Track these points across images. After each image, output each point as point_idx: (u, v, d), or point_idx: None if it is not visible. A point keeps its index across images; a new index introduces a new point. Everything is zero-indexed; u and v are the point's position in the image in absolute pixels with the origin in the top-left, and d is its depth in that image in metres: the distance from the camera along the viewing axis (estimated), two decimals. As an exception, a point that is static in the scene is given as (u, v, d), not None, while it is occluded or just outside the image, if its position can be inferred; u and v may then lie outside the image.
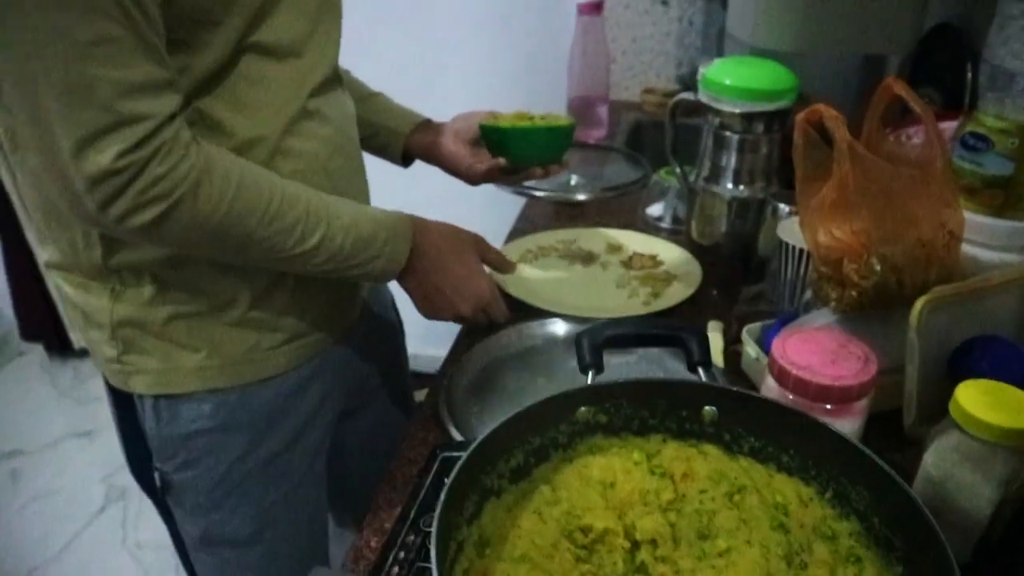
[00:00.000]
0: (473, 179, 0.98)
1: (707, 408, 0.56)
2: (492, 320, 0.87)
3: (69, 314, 0.80)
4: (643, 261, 1.07)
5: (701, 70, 1.00)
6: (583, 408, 0.54)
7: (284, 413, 0.83)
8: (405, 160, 1.00)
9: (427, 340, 1.36)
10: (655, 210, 1.20)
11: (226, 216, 0.64)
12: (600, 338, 0.57)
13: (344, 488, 1.02)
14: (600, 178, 1.28)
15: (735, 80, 0.97)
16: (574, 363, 0.82)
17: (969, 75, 1.07)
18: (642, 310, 0.95)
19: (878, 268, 0.69)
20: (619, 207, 1.25)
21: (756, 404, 0.54)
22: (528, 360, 0.86)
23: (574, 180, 1.28)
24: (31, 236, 2.22)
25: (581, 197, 1.24)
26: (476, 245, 0.86)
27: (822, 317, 0.75)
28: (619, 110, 1.73)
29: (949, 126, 1.01)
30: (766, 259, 0.99)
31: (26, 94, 0.56)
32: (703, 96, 1.00)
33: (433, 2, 1.84)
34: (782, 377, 0.63)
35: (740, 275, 1.03)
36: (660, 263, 1.07)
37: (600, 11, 1.53)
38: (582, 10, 1.52)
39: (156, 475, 0.82)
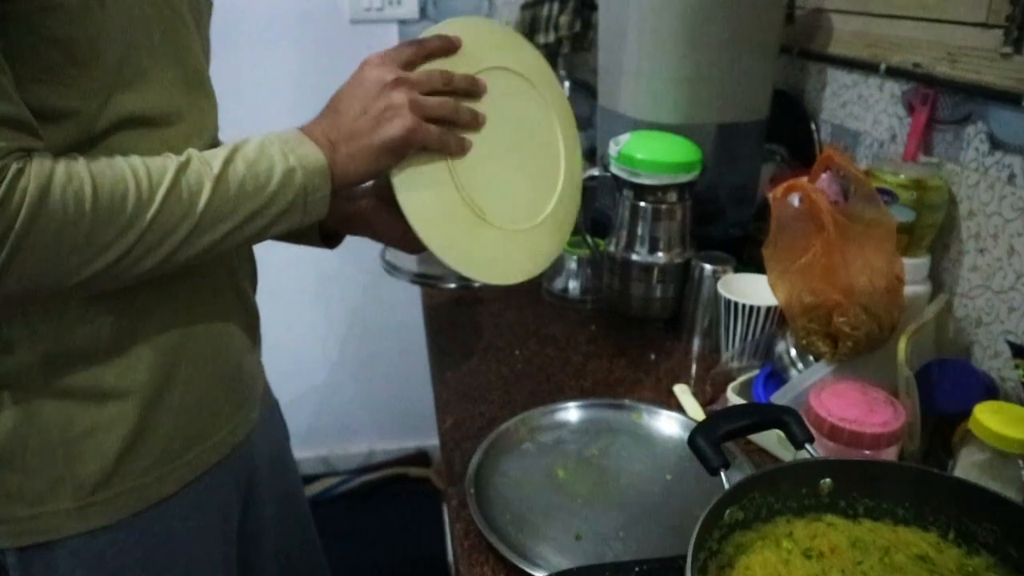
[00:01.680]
0: (415, 247, 0.79)
1: (824, 481, 0.58)
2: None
3: None
4: None
5: (614, 147, 1.05)
6: (728, 510, 0.54)
7: (179, 538, 0.72)
8: (329, 241, 0.85)
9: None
10: (559, 284, 1.22)
11: (93, 217, 0.53)
12: (716, 436, 0.57)
13: None
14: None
15: (648, 155, 1.03)
16: (591, 449, 0.83)
17: (816, 134, 1.24)
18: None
19: (864, 318, 0.78)
20: (519, 286, 1.25)
21: (870, 468, 0.58)
22: (541, 454, 0.83)
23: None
24: None
25: (480, 285, 1.22)
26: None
27: (819, 369, 0.81)
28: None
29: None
30: (693, 319, 1.06)
31: None
32: (618, 171, 1.05)
33: (252, 57, 1.73)
34: (835, 433, 0.68)
35: (666, 337, 1.09)
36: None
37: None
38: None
39: None
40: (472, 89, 0.72)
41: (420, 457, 2.26)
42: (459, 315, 1.18)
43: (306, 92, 1.82)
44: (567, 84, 1.77)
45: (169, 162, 0.59)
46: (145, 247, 0.56)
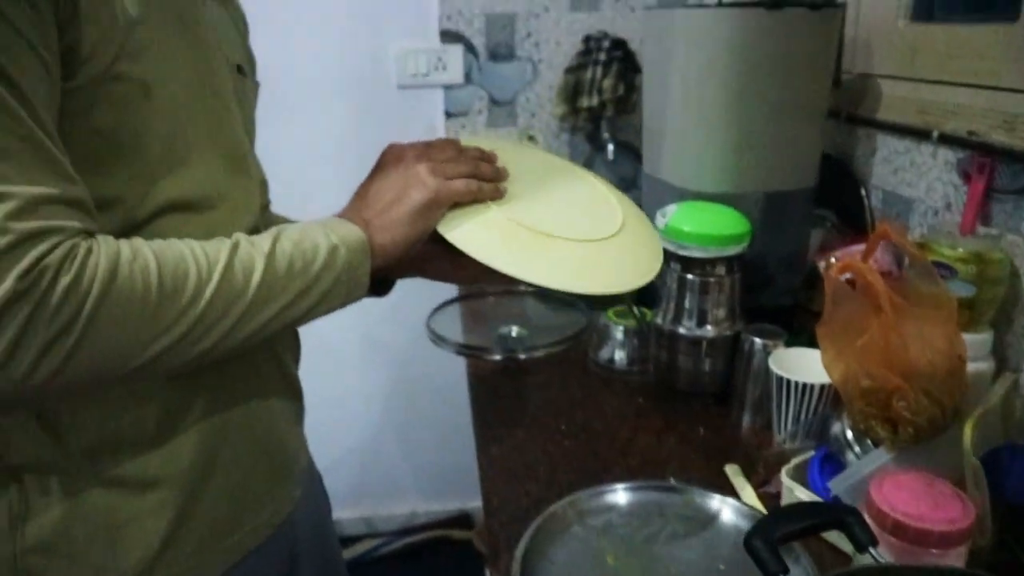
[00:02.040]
0: (468, 278, 0.85)
1: (890, 588, 0.55)
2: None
3: None
4: None
5: (660, 219, 1.04)
6: (790, 618, 0.51)
7: None
8: (379, 288, 0.83)
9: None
10: (605, 354, 1.21)
11: (157, 301, 0.54)
12: (773, 538, 0.55)
13: None
14: (542, 329, 1.27)
15: (696, 227, 1.02)
16: (641, 534, 0.81)
17: (866, 200, 1.22)
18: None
19: (926, 403, 0.74)
20: (564, 355, 1.24)
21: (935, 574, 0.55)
22: (590, 539, 0.80)
23: (515, 332, 1.26)
24: None
25: (527, 356, 1.21)
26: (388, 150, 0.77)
27: (879, 456, 0.78)
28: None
29: (857, 248, 1.13)
30: (743, 393, 1.03)
31: None
32: (665, 243, 1.04)
33: (301, 121, 1.77)
34: (899, 530, 0.65)
35: (715, 411, 1.06)
36: None
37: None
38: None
39: None
40: (486, 158, 0.77)
41: (463, 519, 2.23)
42: (504, 385, 1.16)
43: (354, 155, 1.86)
44: (611, 147, 1.78)
45: (220, 243, 0.61)
46: (204, 326, 0.57)
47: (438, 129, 1.84)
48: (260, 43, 0.85)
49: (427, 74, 1.80)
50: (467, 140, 0.81)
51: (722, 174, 1.12)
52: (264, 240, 0.63)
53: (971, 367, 0.85)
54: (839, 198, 1.27)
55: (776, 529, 0.56)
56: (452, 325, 1.26)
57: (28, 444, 0.61)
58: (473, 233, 0.72)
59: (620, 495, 0.86)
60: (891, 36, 1.20)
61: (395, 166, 0.74)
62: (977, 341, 0.90)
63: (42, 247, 0.49)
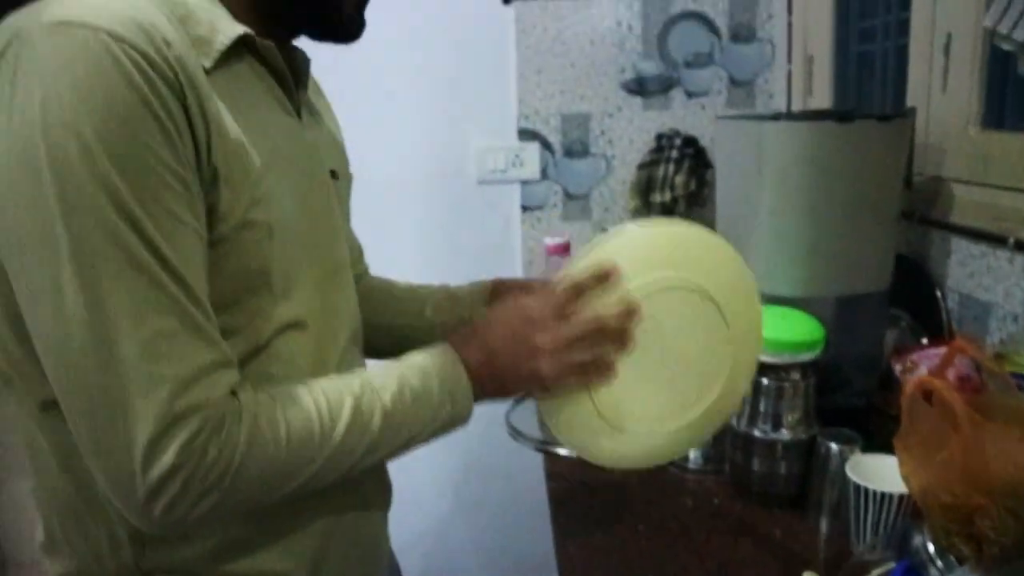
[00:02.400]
0: None
1: None
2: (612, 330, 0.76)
3: None
4: None
5: (734, 324, 1.07)
6: None
7: None
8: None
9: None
10: (680, 449, 1.22)
11: (287, 457, 0.63)
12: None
13: None
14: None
15: (769, 334, 1.04)
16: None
17: (942, 303, 1.22)
18: None
19: (1011, 522, 0.74)
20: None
21: None
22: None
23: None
24: (27, 551, 1.88)
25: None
26: (512, 305, 0.79)
27: (964, 575, 0.78)
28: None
29: (934, 352, 1.13)
30: (819, 499, 1.03)
31: (83, 406, 0.57)
32: (739, 347, 1.07)
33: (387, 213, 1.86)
34: (985, 657, 0.65)
35: (791, 515, 1.06)
36: None
37: (568, 251, 1.62)
38: (551, 251, 1.61)
39: None
40: (622, 332, 0.76)
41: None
42: (581, 482, 1.19)
43: (435, 246, 1.96)
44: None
45: (346, 393, 0.67)
46: (324, 474, 0.66)
47: (514, 221, 1.92)
48: (349, 139, 0.94)
49: (505, 170, 1.89)
50: (619, 245, 0.78)
51: (795, 278, 1.15)
52: (387, 391, 0.69)
53: (1057, 481, 0.85)
54: (915, 299, 1.28)
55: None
56: (531, 420, 1.30)
57: (162, 550, 0.67)
58: (560, 411, 0.79)
59: (698, 601, 0.87)
60: (962, 142, 1.22)
61: (526, 340, 0.74)
62: (1062, 454, 0.89)
63: (195, 423, 0.58)
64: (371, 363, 0.83)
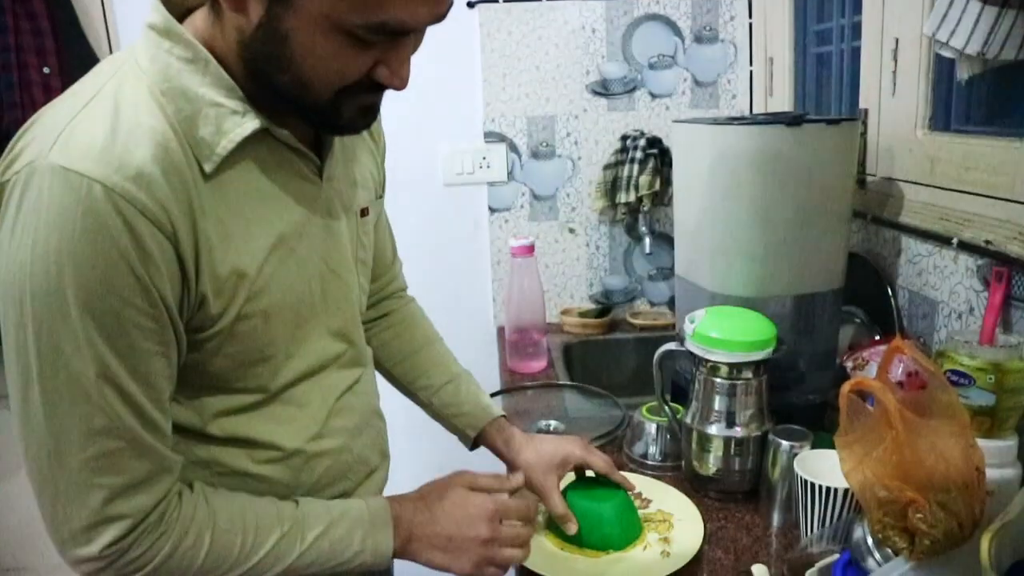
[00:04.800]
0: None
1: None
2: (524, 519, 0.90)
3: None
4: (639, 503, 1.09)
5: (689, 325, 1.10)
6: None
7: None
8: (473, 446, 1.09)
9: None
10: (639, 449, 1.25)
11: (201, 568, 0.72)
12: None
13: None
14: (580, 423, 1.32)
15: (723, 334, 1.07)
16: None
17: (893, 300, 1.25)
18: (667, 565, 0.96)
19: (942, 515, 0.77)
20: (600, 449, 1.27)
21: None
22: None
23: (553, 426, 1.31)
24: None
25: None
26: (457, 478, 0.89)
27: (898, 566, 0.81)
28: (543, 334, 1.82)
29: (882, 348, 1.17)
30: (771, 494, 1.06)
31: (37, 486, 0.67)
32: (693, 348, 1.09)
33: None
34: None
35: (745, 509, 1.09)
36: (648, 500, 1.10)
37: (532, 252, 1.64)
38: (516, 252, 1.63)
39: None
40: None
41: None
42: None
43: (403, 249, 1.96)
44: (648, 240, 1.85)
45: (274, 527, 0.75)
46: None
47: (482, 222, 1.94)
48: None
49: (472, 172, 1.91)
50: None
51: (750, 279, 1.18)
52: (311, 530, 0.77)
53: (996, 474, 0.88)
54: (868, 296, 1.31)
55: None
56: (516, 413, 1.32)
57: None
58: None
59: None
60: (911, 144, 1.25)
61: (470, 530, 0.84)
62: (1002, 448, 0.92)
63: (123, 526, 0.67)
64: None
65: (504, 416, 1.08)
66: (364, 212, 0.89)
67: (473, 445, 1.09)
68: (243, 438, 0.78)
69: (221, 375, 0.74)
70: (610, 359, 1.81)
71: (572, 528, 0.98)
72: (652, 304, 1.97)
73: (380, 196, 0.98)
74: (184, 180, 0.65)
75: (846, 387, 0.82)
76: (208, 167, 0.67)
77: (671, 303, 1.92)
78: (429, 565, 0.86)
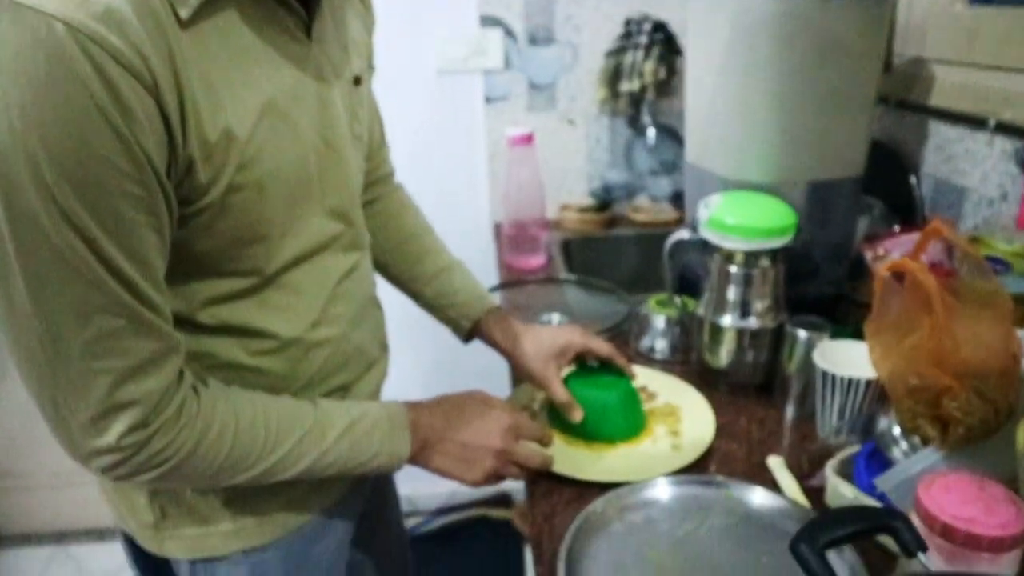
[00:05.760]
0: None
1: (939, 595, 0.55)
2: (538, 440, 0.88)
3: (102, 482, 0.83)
4: (644, 396, 1.06)
5: (704, 210, 1.03)
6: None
7: (313, 561, 0.86)
8: (468, 338, 1.05)
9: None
10: (646, 343, 1.20)
11: (223, 465, 0.68)
12: (820, 544, 0.55)
13: None
14: (583, 317, 1.27)
15: (740, 220, 1.01)
16: (682, 529, 0.81)
17: (916, 189, 1.19)
18: (677, 458, 0.93)
19: (977, 402, 0.73)
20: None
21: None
22: (631, 535, 0.81)
23: (556, 320, 1.26)
24: None
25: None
26: (475, 392, 0.88)
27: (928, 456, 0.77)
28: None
29: (906, 238, 1.11)
30: (789, 384, 1.02)
31: (33, 382, 0.60)
32: (707, 235, 1.03)
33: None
34: (949, 533, 0.64)
35: (758, 403, 1.05)
36: (654, 394, 1.07)
37: (531, 141, 1.55)
38: (514, 142, 1.54)
39: None
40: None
41: (502, 499, 2.26)
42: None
43: (394, 141, 1.86)
44: (652, 132, 1.76)
45: (296, 427, 0.72)
46: (251, 480, 0.72)
47: (477, 113, 1.84)
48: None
49: (466, 59, 1.79)
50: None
51: (767, 164, 1.11)
52: (333, 429, 0.74)
53: (1027, 364, 0.84)
54: (888, 186, 1.24)
55: (823, 534, 0.55)
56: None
57: None
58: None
59: (660, 490, 0.86)
60: (947, 20, 1.16)
61: (487, 439, 0.83)
62: (1033, 337, 0.87)
63: (136, 413, 0.61)
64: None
65: (499, 307, 1.04)
66: (358, 81, 0.81)
67: (468, 337, 1.04)
68: (236, 327, 0.72)
69: (212, 256, 0.67)
70: (611, 256, 1.75)
71: (577, 415, 0.94)
72: (654, 199, 1.90)
73: (372, 66, 0.90)
74: (160, 24, 0.56)
75: (884, 269, 0.76)
76: (184, 12, 0.57)
77: (674, 198, 1.85)
78: (439, 472, 0.83)
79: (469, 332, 1.03)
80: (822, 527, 0.56)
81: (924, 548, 0.56)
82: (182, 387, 0.65)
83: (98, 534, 2.22)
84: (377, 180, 1.03)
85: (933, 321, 0.73)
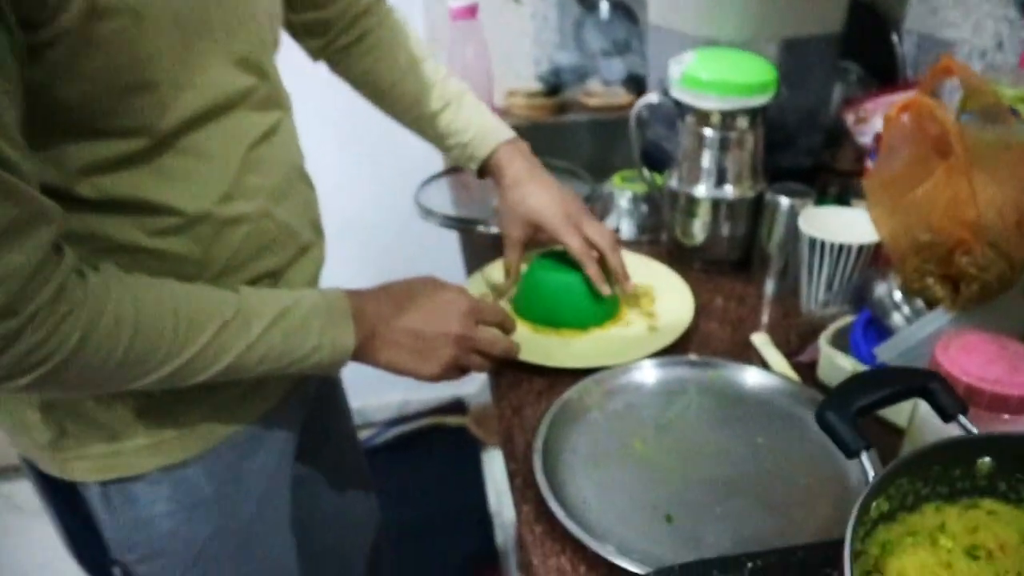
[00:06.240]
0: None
1: (982, 460, 0.48)
2: (500, 326, 0.79)
3: None
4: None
5: (676, 68, 0.92)
6: (875, 503, 0.44)
7: (247, 477, 0.75)
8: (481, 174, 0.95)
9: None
10: (611, 222, 1.11)
11: (122, 363, 0.56)
12: (851, 411, 0.47)
13: (317, 564, 0.93)
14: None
15: (717, 75, 0.90)
16: (667, 414, 0.73)
17: (898, 47, 1.09)
18: (655, 340, 0.85)
19: (993, 256, 0.66)
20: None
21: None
22: (613, 424, 0.73)
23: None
24: None
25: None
26: (428, 278, 0.77)
27: (936, 318, 0.70)
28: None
29: (889, 99, 1.03)
30: (769, 258, 0.94)
31: None
32: (681, 95, 0.92)
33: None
34: (973, 395, 0.57)
35: (735, 280, 0.97)
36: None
37: (475, 15, 1.40)
38: (456, 15, 1.38)
39: (117, 570, 0.74)
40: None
41: (456, 405, 2.19)
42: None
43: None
44: (606, 5, 1.63)
45: (214, 316, 0.60)
46: (163, 383, 0.59)
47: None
48: None
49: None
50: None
51: (738, 18, 0.99)
52: (262, 319, 0.62)
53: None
54: (866, 46, 1.14)
55: (853, 400, 0.48)
56: (442, 198, 1.15)
57: None
58: None
59: (641, 373, 0.79)
60: None
61: (443, 326, 0.72)
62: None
63: (3, 291, 0.48)
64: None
65: (510, 142, 0.93)
66: None
67: (481, 175, 0.94)
68: (128, 201, 0.58)
69: (84, 109, 0.53)
70: (563, 144, 1.63)
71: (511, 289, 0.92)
72: (607, 83, 1.77)
73: None
74: None
75: (895, 110, 0.67)
76: None
77: (628, 82, 1.72)
78: (390, 367, 0.72)
79: (480, 173, 0.94)
80: (852, 393, 0.48)
81: (964, 410, 0.48)
82: (61, 267, 0.51)
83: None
84: (363, 11, 0.87)
85: (951, 165, 0.64)
